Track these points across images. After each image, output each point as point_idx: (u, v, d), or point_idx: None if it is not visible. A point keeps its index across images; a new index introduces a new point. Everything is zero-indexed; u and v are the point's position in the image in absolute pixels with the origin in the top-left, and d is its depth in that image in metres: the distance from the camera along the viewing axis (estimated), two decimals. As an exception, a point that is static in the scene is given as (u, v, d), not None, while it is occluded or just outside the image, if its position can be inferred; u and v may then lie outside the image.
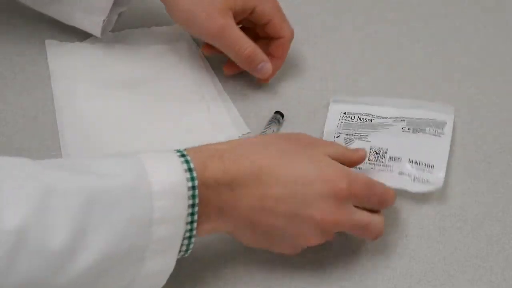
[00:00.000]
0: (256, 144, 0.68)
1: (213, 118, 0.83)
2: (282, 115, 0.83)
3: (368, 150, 0.78)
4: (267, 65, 0.84)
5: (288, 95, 0.87)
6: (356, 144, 0.79)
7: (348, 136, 0.80)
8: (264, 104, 0.86)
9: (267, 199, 0.65)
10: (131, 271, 0.61)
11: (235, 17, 0.83)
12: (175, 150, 0.64)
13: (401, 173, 0.77)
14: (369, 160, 0.78)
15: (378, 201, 0.70)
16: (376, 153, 0.78)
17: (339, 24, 0.94)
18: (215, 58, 0.88)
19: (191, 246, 0.64)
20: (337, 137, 0.81)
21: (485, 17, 0.95)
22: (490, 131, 0.83)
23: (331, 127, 0.82)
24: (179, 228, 0.62)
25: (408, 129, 0.80)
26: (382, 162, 0.78)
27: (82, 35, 0.89)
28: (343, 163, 0.70)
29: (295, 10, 0.96)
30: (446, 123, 0.81)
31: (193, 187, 0.62)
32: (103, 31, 0.87)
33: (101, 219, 0.58)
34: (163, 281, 0.64)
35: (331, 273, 0.72)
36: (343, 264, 0.73)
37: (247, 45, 0.83)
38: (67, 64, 0.87)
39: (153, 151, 0.64)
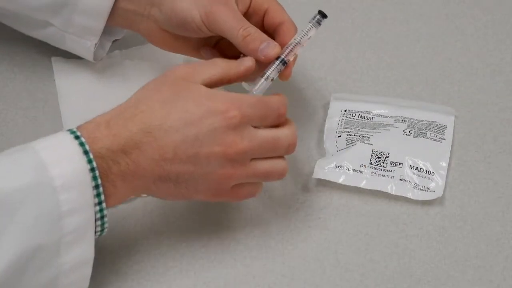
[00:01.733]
0: (139, 101, 0.67)
1: None
2: (324, 15, 0.75)
3: (370, 154, 0.78)
4: (271, 44, 0.72)
5: (288, 95, 0.86)
6: (358, 147, 0.79)
7: (350, 136, 0.80)
8: (264, 104, 0.86)
9: (164, 150, 0.65)
10: (50, 268, 0.62)
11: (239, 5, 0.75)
12: (68, 131, 0.64)
13: (402, 179, 0.77)
14: (370, 164, 0.78)
15: (276, 115, 0.69)
16: (378, 157, 0.78)
17: (339, 24, 0.94)
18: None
19: (106, 225, 0.65)
20: (338, 136, 0.81)
21: (485, 17, 0.94)
22: (490, 131, 0.83)
23: (332, 124, 0.82)
24: (89, 213, 0.63)
25: (410, 132, 0.81)
26: (384, 167, 0.78)
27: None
28: (229, 80, 0.69)
29: (295, 10, 0.95)
30: (446, 127, 0.82)
31: (93, 169, 0.63)
32: (96, 56, 0.84)
33: (8, 221, 0.59)
34: (88, 270, 0.64)
35: (330, 272, 0.72)
36: (343, 264, 0.73)
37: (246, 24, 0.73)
38: (74, 82, 0.86)
39: (47, 138, 0.64)
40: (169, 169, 0.66)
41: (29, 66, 0.88)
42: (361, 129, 0.81)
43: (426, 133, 0.81)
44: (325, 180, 0.78)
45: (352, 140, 0.80)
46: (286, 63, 0.73)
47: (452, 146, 0.81)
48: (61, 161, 0.62)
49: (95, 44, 0.82)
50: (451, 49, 0.91)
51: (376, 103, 0.84)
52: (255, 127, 0.67)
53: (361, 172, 0.78)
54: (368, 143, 0.79)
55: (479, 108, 0.85)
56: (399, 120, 0.82)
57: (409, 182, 0.77)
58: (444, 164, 0.79)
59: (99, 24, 0.79)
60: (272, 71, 0.73)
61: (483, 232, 0.75)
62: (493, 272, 0.72)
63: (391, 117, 0.83)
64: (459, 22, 0.94)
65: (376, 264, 0.73)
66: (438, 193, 0.77)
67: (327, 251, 0.74)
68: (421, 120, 0.82)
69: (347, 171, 0.78)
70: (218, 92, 0.68)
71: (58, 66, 0.87)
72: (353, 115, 0.83)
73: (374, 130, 0.81)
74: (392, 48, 0.91)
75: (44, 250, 0.61)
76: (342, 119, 0.83)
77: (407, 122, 0.82)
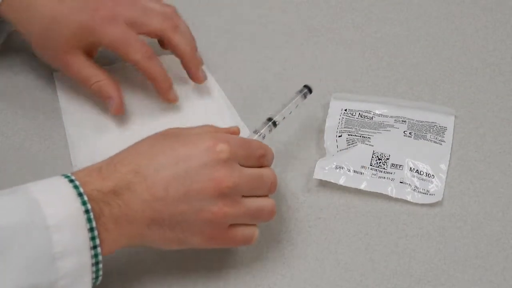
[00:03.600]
0: (129, 148, 0.68)
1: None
2: (310, 90, 0.80)
3: (371, 155, 0.79)
4: (111, 102, 0.81)
5: (288, 95, 0.87)
6: (359, 148, 0.79)
7: (351, 136, 0.80)
8: (264, 105, 0.86)
9: (155, 189, 0.65)
10: None
11: (90, 51, 0.82)
12: (62, 175, 0.64)
13: (402, 182, 0.77)
14: (371, 165, 0.78)
15: (258, 156, 0.70)
16: (379, 159, 0.78)
17: (339, 24, 0.94)
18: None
19: (100, 272, 0.63)
20: (339, 136, 0.81)
21: (485, 17, 0.95)
22: (490, 131, 0.83)
23: (332, 123, 0.82)
24: (85, 257, 0.62)
25: (410, 133, 0.81)
26: (384, 169, 0.78)
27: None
28: None
29: (295, 10, 0.96)
30: (446, 128, 0.82)
31: (87, 211, 0.62)
32: None
33: (1, 260, 0.58)
34: None
35: (330, 272, 0.72)
36: (343, 264, 0.73)
37: (94, 79, 0.81)
38: (77, 96, 0.85)
39: (42, 181, 0.64)
40: (161, 210, 0.65)
41: (29, 65, 0.88)
42: (361, 129, 0.81)
43: (426, 135, 0.81)
44: (326, 181, 0.78)
45: (352, 141, 0.80)
46: (276, 125, 0.77)
47: (452, 146, 0.81)
48: (55, 202, 0.61)
49: None
50: (451, 49, 0.91)
51: (376, 102, 0.84)
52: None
53: (361, 173, 0.78)
54: (369, 144, 0.79)
55: (479, 108, 0.85)
56: (399, 121, 0.82)
57: (409, 185, 0.77)
58: (444, 167, 0.79)
59: None
60: (263, 130, 0.76)
61: (483, 232, 0.75)
62: (493, 272, 0.72)
63: (391, 117, 0.83)
64: (459, 22, 0.94)
65: (376, 264, 0.73)
66: (438, 197, 0.77)
67: (327, 251, 0.74)
68: (421, 121, 0.82)
69: (347, 172, 0.78)
70: (204, 132, 0.69)
71: (60, 81, 0.86)
72: (353, 114, 0.83)
73: (374, 131, 0.81)
74: (392, 48, 0.92)
75: None
76: (343, 118, 0.83)
77: (407, 123, 0.82)
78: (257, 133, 0.75)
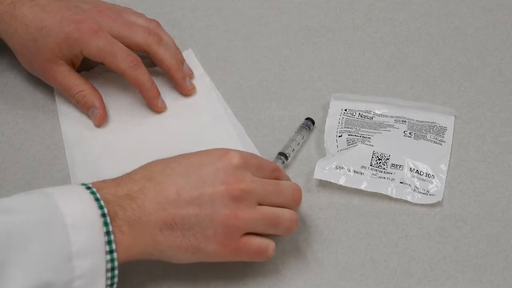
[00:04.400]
0: (144, 164, 0.69)
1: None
2: (313, 122, 0.83)
3: (371, 155, 0.78)
4: (95, 111, 0.82)
5: (288, 95, 0.87)
6: (359, 148, 0.79)
7: (351, 137, 0.80)
8: (264, 105, 0.86)
9: (167, 192, 0.65)
10: None
11: (73, 61, 0.83)
12: (79, 184, 0.65)
13: (402, 182, 0.77)
14: (371, 165, 0.78)
15: (271, 169, 0.71)
16: (379, 159, 0.78)
17: (339, 24, 0.94)
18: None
19: (115, 279, 0.63)
20: (339, 136, 0.81)
21: (485, 17, 0.95)
22: (490, 131, 0.83)
23: (332, 123, 0.82)
24: (101, 259, 0.62)
25: (410, 133, 0.81)
26: (384, 169, 0.78)
27: (87, 66, 0.87)
28: None
29: (295, 11, 0.96)
30: (446, 128, 0.82)
31: (104, 215, 0.62)
32: None
33: (18, 254, 0.59)
34: None
35: (330, 272, 0.72)
36: (343, 264, 0.73)
37: (78, 88, 0.83)
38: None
39: (59, 186, 0.65)
40: (174, 213, 0.65)
41: (29, 66, 0.88)
42: (361, 129, 0.81)
43: (426, 135, 0.81)
44: (326, 181, 0.78)
45: (353, 141, 0.80)
46: (287, 157, 0.79)
47: (452, 146, 0.81)
48: (72, 203, 0.62)
49: None
50: (451, 49, 0.91)
51: (376, 103, 0.84)
52: None
53: (361, 173, 0.78)
54: (369, 144, 0.79)
55: (479, 108, 0.85)
56: (399, 121, 0.82)
57: (409, 185, 0.77)
58: (444, 168, 0.79)
59: None
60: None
61: (483, 232, 0.75)
62: (493, 272, 0.72)
63: (391, 117, 0.83)
64: (459, 22, 0.94)
65: (376, 264, 0.73)
66: (438, 197, 0.77)
67: (327, 251, 0.74)
68: (421, 122, 0.82)
69: (347, 172, 0.78)
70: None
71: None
72: (354, 114, 0.83)
73: (374, 131, 0.81)
74: (392, 48, 0.92)
75: None
76: (343, 117, 0.83)
77: (407, 123, 0.82)
78: None
